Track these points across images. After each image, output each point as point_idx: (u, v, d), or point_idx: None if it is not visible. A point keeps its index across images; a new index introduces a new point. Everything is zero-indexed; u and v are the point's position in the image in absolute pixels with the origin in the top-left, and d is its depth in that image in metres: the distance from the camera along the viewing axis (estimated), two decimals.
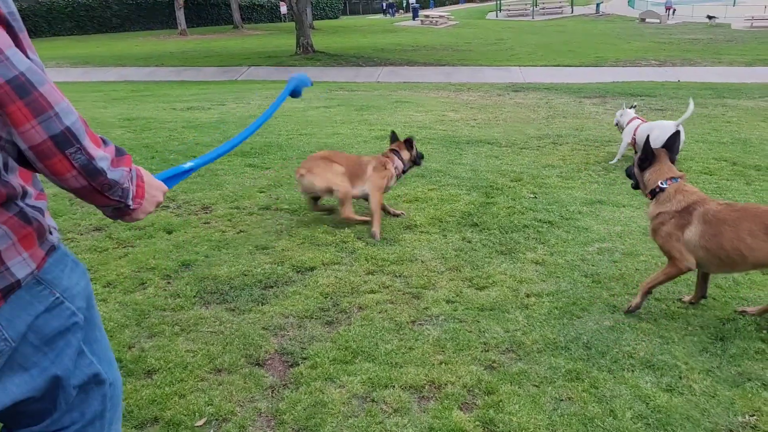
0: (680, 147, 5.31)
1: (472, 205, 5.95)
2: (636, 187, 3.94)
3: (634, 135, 7.51)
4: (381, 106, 13.11)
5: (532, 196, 6.27)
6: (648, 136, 3.77)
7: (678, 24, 40.10)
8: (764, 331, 3.60)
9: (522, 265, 4.58)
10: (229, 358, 3.43)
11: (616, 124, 8.21)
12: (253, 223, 5.52)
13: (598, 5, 49.61)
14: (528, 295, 4.11)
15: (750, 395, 3.02)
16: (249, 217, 5.68)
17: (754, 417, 2.87)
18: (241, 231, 5.33)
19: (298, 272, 4.53)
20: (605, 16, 47.17)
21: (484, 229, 5.33)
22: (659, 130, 6.96)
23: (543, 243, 5.01)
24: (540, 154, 8.27)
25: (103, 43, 37.51)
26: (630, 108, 8.15)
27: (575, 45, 29.73)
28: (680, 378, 3.17)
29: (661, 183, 3.66)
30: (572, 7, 51.22)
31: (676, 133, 3.83)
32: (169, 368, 3.33)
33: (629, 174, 3.99)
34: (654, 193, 3.71)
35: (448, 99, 14.86)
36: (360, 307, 4.00)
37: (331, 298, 4.13)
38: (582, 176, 7.07)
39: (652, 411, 2.92)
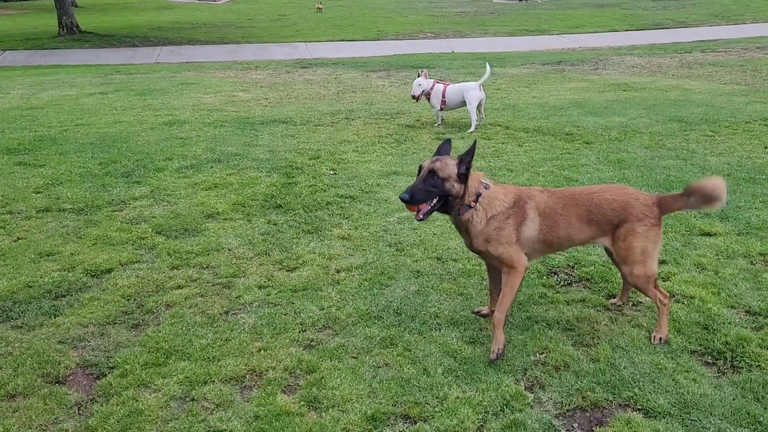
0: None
1: (274, 187, 5.92)
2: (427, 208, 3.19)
3: (444, 98, 8.17)
4: (165, 89, 12.40)
5: (332, 173, 6.40)
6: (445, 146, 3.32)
7: None
8: (544, 277, 4.08)
9: (329, 242, 4.68)
10: (22, 380, 3.08)
11: (421, 94, 8.40)
12: (32, 228, 4.96)
13: None
14: (338, 271, 4.22)
15: (538, 336, 3.42)
16: (26, 222, 5.09)
17: (543, 354, 3.26)
18: (18, 239, 4.77)
19: (93, 276, 4.18)
20: None
21: (288, 210, 5.34)
22: (473, 91, 8.05)
23: (347, 218, 5.15)
24: (335, 130, 8.43)
25: None
26: (418, 76, 8.53)
27: (356, 19, 30.54)
28: (480, 330, 3.49)
29: (485, 185, 3.27)
30: None
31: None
32: None
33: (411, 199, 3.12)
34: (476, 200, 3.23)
35: (236, 78, 14.49)
36: (168, 305, 3.81)
37: (135, 299, 3.88)
38: (377, 149, 7.35)
39: (459, 363, 3.18)
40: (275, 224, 5.05)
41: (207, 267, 4.31)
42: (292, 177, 6.24)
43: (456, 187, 3.15)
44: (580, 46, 22.02)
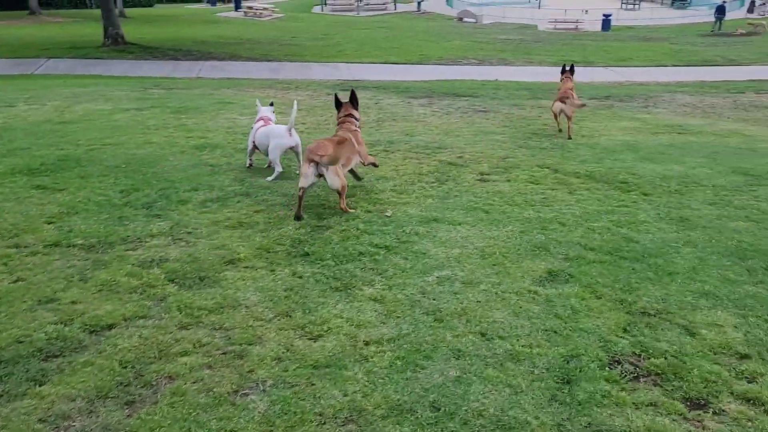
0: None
1: (303, 230, 5.43)
2: None
3: (254, 138, 7.20)
4: (202, 108, 12.11)
5: (387, 215, 5.87)
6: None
7: (492, 24, 42.53)
8: (607, 369, 3.48)
9: (360, 305, 4.15)
10: None
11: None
12: (36, 266, 4.53)
13: (419, 3, 51.09)
14: (367, 343, 3.68)
15: None
16: (31, 259, 4.67)
17: None
18: (19, 279, 4.34)
19: (91, 333, 3.72)
20: (426, 14, 48.83)
21: (317, 259, 4.83)
22: (278, 139, 6.93)
23: (380, 274, 4.62)
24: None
25: None
26: (266, 106, 7.64)
27: (400, 42, 30.34)
28: None
29: None
30: (395, 4, 52.45)
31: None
32: None
33: None
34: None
35: (275, 99, 14.11)
36: (170, 377, 3.32)
37: (133, 367, 3.39)
38: (416, 189, 6.82)
39: None
40: (301, 277, 4.55)
41: (220, 328, 3.82)
42: (324, 218, 5.76)
43: None
44: (627, 79, 21.39)
